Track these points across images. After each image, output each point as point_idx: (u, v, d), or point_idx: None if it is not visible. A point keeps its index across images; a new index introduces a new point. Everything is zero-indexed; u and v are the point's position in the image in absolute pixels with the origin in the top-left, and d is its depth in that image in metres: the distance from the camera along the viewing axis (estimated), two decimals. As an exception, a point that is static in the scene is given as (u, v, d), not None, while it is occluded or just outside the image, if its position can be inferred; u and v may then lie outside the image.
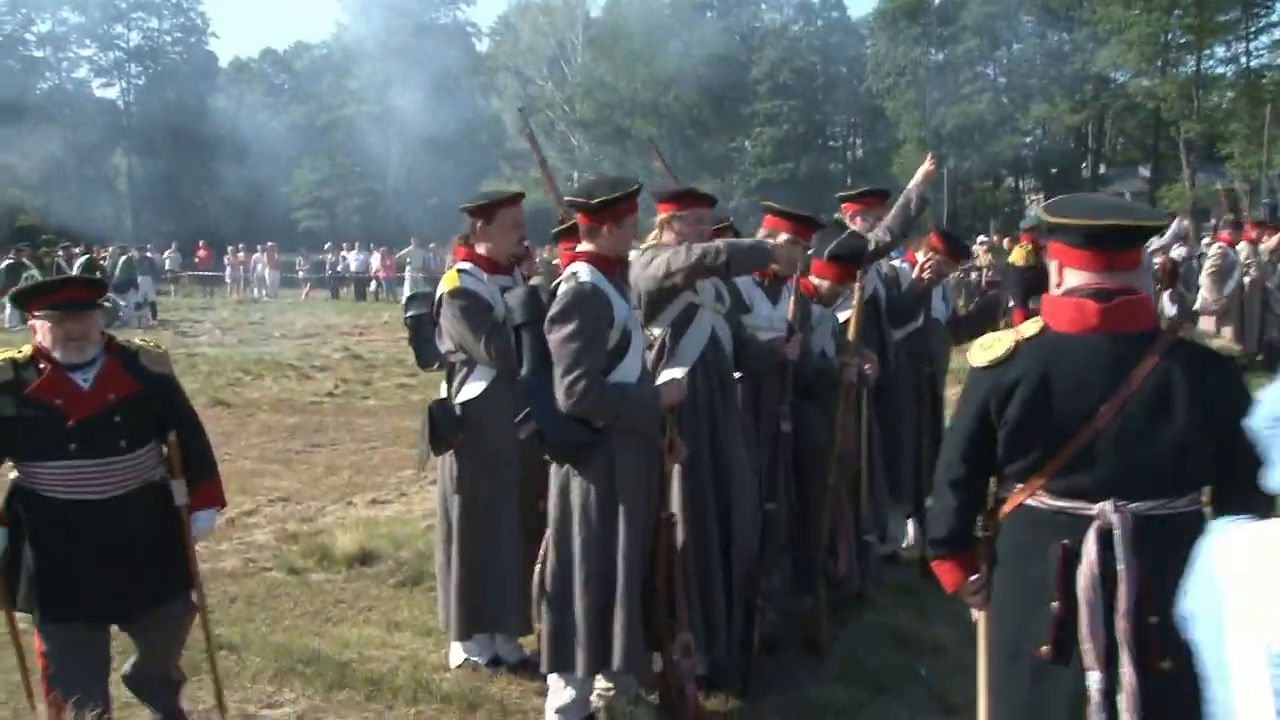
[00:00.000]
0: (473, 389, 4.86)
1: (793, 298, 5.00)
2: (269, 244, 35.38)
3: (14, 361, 3.89)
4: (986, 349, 2.91)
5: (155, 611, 4.09)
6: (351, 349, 18.97)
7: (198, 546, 4.28)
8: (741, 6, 54.38)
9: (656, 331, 4.64)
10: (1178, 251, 14.74)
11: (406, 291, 32.06)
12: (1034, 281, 10.67)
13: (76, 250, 27.07)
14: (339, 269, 35.48)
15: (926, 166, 6.31)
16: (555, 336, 4.04)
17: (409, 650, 5.34)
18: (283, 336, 21.77)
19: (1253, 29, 41.22)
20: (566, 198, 4.33)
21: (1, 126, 42.25)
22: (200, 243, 37.97)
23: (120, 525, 3.91)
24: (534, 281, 4.59)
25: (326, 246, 37.04)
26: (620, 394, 4.06)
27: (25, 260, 25.20)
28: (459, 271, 4.88)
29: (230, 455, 9.80)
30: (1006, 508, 2.96)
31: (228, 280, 35.98)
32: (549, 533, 4.27)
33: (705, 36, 46.67)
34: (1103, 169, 48.16)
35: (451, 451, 4.91)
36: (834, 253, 5.41)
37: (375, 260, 34.23)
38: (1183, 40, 40.96)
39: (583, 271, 4.13)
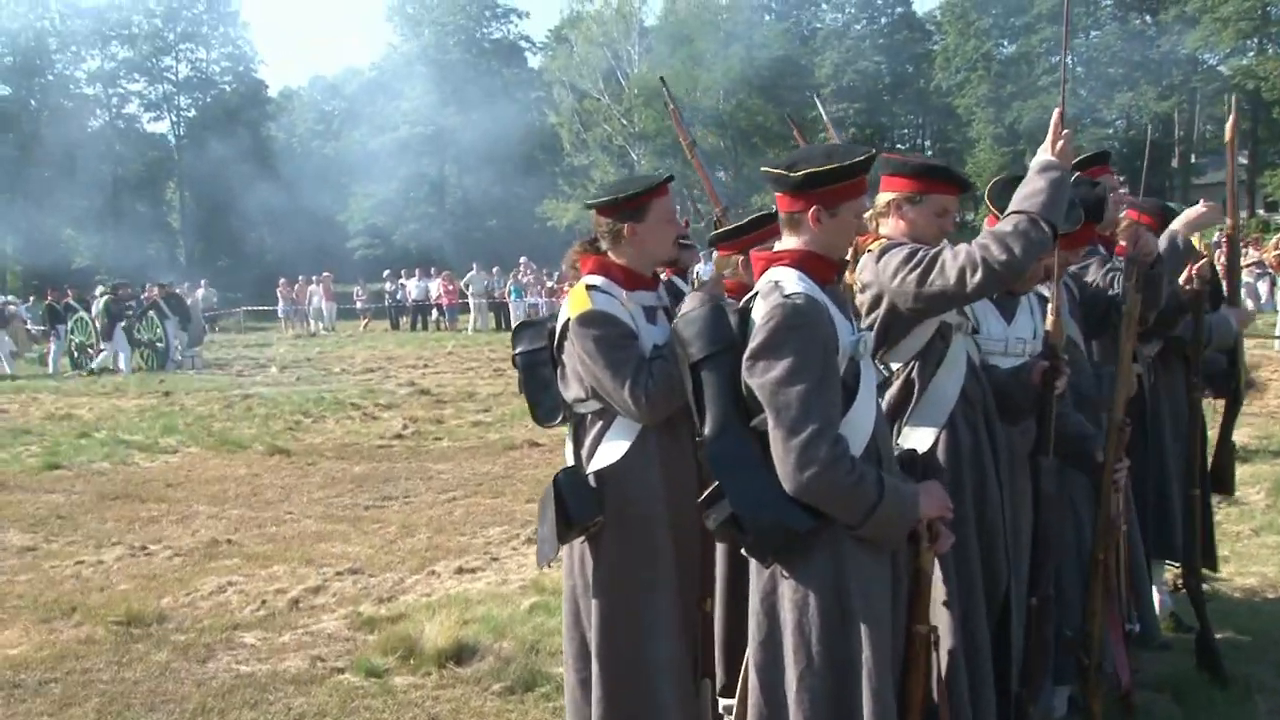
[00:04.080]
0: (611, 451, 3.54)
1: (1051, 306, 3.57)
2: (325, 274, 34.05)
3: None
4: None
5: None
6: (418, 383, 17.77)
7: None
8: (801, 8, 52.90)
9: (893, 365, 3.46)
10: None
11: (471, 320, 30.56)
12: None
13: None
14: (398, 297, 34.02)
15: (1201, 210, 4.80)
16: (766, 379, 2.75)
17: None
18: (343, 372, 20.50)
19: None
20: (765, 168, 3.00)
21: (55, 167, 41.79)
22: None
23: None
24: (694, 297, 3.31)
25: (385, 274, 35.59)
26: (876, 479, 2.73)
27: (72, 302, 23.98)
28: (589, 288, 3.55)
29: (292, 515, 8.73)
30: None
31: (280, 315, 34.66)
32: (750, 658, 2.90)
33: (765, 39, 45.35)
34: (1193, 158, 46.33)
35: (583, 538, 3.56)
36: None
37: (435, 287, 32.73)
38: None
39: (788, 281, 2.84)
